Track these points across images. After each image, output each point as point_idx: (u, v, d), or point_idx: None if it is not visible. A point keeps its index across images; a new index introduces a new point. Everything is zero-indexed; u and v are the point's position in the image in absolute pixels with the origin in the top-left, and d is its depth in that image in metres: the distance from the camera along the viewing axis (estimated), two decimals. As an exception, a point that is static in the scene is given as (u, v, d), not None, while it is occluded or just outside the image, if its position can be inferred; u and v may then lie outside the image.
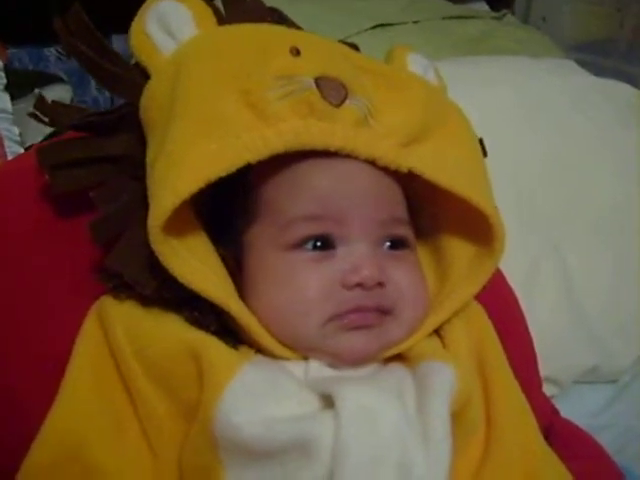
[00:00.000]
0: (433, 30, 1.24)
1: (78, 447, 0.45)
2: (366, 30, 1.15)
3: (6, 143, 0.77)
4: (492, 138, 0.58)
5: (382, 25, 1.20)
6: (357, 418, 0.42)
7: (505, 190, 0.64)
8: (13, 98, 0.89)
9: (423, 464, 0.42)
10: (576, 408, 0.77)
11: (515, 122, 0.87)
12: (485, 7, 1.64)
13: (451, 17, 1.34)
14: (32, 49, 1.14)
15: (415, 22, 1.26)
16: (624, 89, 0.99)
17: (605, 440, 0.66)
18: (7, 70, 0.91)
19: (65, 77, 1.11)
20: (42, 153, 0.50)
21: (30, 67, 1.13)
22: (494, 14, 1.53)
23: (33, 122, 0.53)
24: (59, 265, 0.54)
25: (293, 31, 0.54)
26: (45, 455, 0.45)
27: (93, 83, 1.16)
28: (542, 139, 0.89)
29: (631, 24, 1.95)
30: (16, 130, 0.80)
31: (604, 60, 1.71)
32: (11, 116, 0.81)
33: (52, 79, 1.09)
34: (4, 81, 0.83)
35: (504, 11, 1.55)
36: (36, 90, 1.00)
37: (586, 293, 0.84)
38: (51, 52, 1.16)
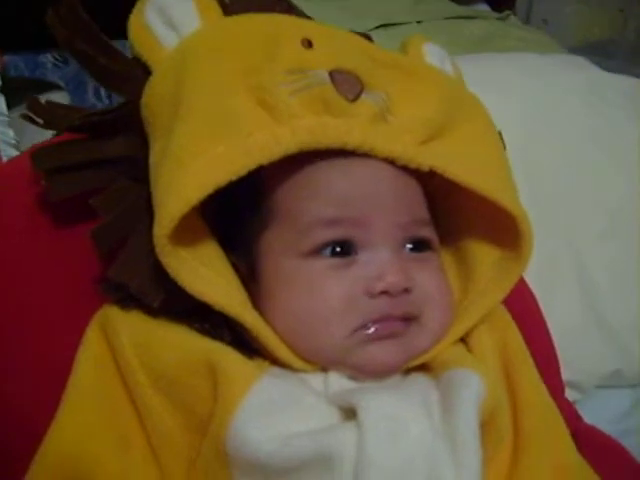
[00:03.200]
0: (437, 30, 1.23)
1: (80, 464, 0.42)
2: (370, 30, 1.13)
3: (1, 146, 0.75)
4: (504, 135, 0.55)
5: (386, 25, 1.19)
6: (381, 429, 0.39)
7: (521, 188, 0.62)
8: (10, 106, 0.87)
9: (454, 478, 0.39)
10: (599, 413, 0.74)
11: (526, 119, 0.85)
12: (487, 9, 1.63)
13: (455, 17, 1.33)
14: (28, 56, 1.12)
15: (419, 22, 1.25)
16: (637, 84, 0.96)
17: (630, 445, 0.63)
18: (3, 77, 0.88)
19: (62, 84, 1.08)
20: (37, 157, 0.47)
21: (26, 74, 1.11)
22: (497, 15, 1.52)
23: (31, 129, 0.50)
24: (58, 274, 0.51)
25: (304, 21, 0.51)
26: (46, 473, 0.43)
27: (90, 90, 1.14)
28: (555, 136, 0.87)
29: (634, 25, 1.93)
30: (11, 133, 0.77)
31: (607, 61, 1.69)
32: (7, 118, 0.79)
33: (49, 86, 1.07)
34: (-1, 84, 0.80)
35: (507, 12, 1.54)
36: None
37: (606, 294, 0.81)
38: (47, 58, 1.14)
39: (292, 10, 0.53)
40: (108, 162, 0.47)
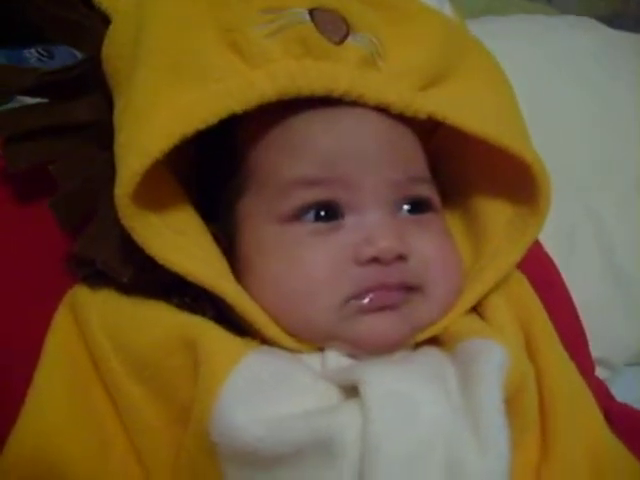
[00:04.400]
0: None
1: (50, 470, 0.38)
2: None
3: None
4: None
5: None
6: (389, 406, 0.34)
7: None
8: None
9: (477, 462, 0.34)
10: (631, 392, 0.68)
11: (539, 77, 0.80)
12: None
13: (454, -11, 1.28)
14: (11, 51, 1.08)
15: (416, -5, 1.19)
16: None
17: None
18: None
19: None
20: (-7, 123, 0.43)
21: (10, 69, 1.07)
22: (498, -13, 1.48)
23: None
24: (25, 254, 0.46)
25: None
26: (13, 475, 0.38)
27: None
28: (571, 102, 0.81)
29: (637, -1, 1.88)
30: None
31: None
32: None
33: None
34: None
35: (508, -16, 1.50)
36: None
37: (631, 259, 0.76)
38: (32, 53, 1.10)
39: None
40: (74, 128, 0.43)
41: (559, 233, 0.74)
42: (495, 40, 0.66)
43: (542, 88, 0.80)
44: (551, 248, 0.65)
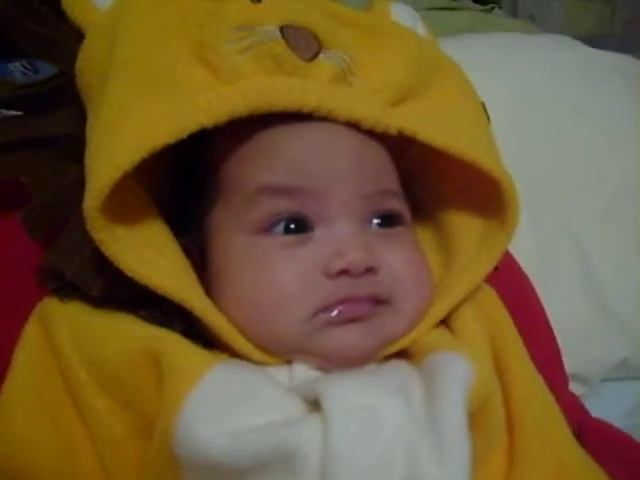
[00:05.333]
0: (419, 21, 1.19)
1: (19, 477, 0.38)
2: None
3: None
4: (493, 115, 0.51)
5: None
6: (350, 420, 0.34)
7: (511, 169, 0.58)
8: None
9: (438, 475, 0.34)
10: (607, 408, 0.69)
11: (515, 100, 0.81)
12: (470, 2, 1.61)
13: (438, 9, 1.30)
14: (-3, 64, 1.08)
15: (401, 13, 1.21)
16: (630, 61, 0.94)
17: (642, 439, 0.59)
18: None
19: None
20: (-36, 136, 0.43)
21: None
22: (482, 7, 1.50)
23: None
24: (8, 262, 0.47)
25: (252, -26, 0.47)
26: None
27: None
28: (545, 114, 0.83)
29: (622, 17, 1.92)
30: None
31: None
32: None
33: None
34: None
35: (492, 5, 1.52)
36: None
37: (607, 277, 0.77)
38: (16, 67, 1.10)
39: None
40: (44, 141, 0.44)
41: (538, 250, 0.76)
42: (473, 58, 0.67)
43: (520, 105, 0.81)
44: (529, 265, 0.67)
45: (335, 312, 0.39)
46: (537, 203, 0.77)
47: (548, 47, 0.91)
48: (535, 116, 0.80)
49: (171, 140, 0.36)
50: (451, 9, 1.33)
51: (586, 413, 0.63)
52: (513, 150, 0.76)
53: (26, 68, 1.12)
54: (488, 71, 0.81)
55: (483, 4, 1.52)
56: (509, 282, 0.52)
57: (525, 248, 0.68)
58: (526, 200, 0.73)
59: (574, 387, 0.70)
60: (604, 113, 0.84)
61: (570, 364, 0.66)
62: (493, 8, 1.51)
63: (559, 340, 0.64)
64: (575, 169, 0.80)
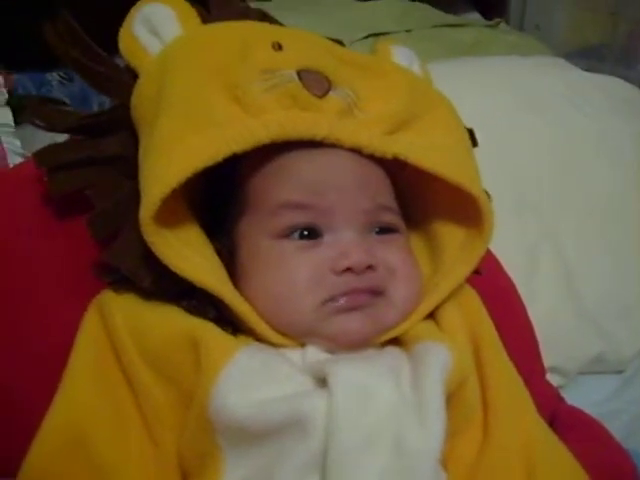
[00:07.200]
0: (425, 38, 1.26)
1: (80, 440, 0.45)
2: (359, 40, 1.18)
3: (9, 156, 0.80)
4: (487, 132, 0.60)
5: (375, 34, 1.22)
6: (350, 396, 0.43)
7: (502, 181, 0.65)
8: (19, 122, 0.91)
9: (417, 439, 0.42)
10: (582, 397, 0.76)
11: (509, 115, 0.88)
12: (478, 16, 1.67)
13: (443, 25, 1.36)
14: (34, 74, 1.17)
15: (408, 31, 1.28)
16: (618, 83, 1.00)
17: (613, 427, 0.65)
18: (12, 95, 0.93)
19: (67, 100, 1.13)
20: (40, 156, 0.52)
21: (33, 91, 1.15)
22: (487, 22, 1.55)
23: (38, 141, 0.55)
24: (57, 264, 0.55)
25: (275, 27, 0.56)
26: (47, 449, 0.46)
27: (95, 106, 1.19)
28: (538, 133, 0.90)
29: (625, 28, 1.95)
30: (18, 143, 0.82)
31: (599, 65, 1.72)
32: (13, 129, 0.83)
33: (55, 103, 1.11)
34: (5, 97, 0.85)
35: (497, 20, 1.57)
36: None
37: (586, 280, 0.84)
38: (53, 77, 1.19)
39: (265, 18, 0.58)
40: (104, 160, 0.52)
41: (521, 252, 0.83)
42: (468, 81, 0.74)
43: (510, 121, 0.88)
44: (513, 266, 0.73)
45: (340, 302, 0.47)
46: (524, 210, 0.84)
47: (539, 70, 0.98)
48: (524, 138, 0.87)
49: (209, 164, 0.44)
50: (457, 26, 1.39)
51: (561, 400, 0.69)
52: (502, 164, 0.85)
53: (62, 77, 1.21)
54: (480, 94, 0.89)
55: (489, 19, 1.59)
56: (490, 283, 0.59)
57: (512, 251, 0.75)
58: (514, 206, 0.82)
59: (553, 378, 0.77)
60: (588, 128, 0.91)
61: (550, 358, 0.73)
62: (499, 22, 1.56)
63: (540, 335, 0.70)
64: (560, 182, 0.87)
